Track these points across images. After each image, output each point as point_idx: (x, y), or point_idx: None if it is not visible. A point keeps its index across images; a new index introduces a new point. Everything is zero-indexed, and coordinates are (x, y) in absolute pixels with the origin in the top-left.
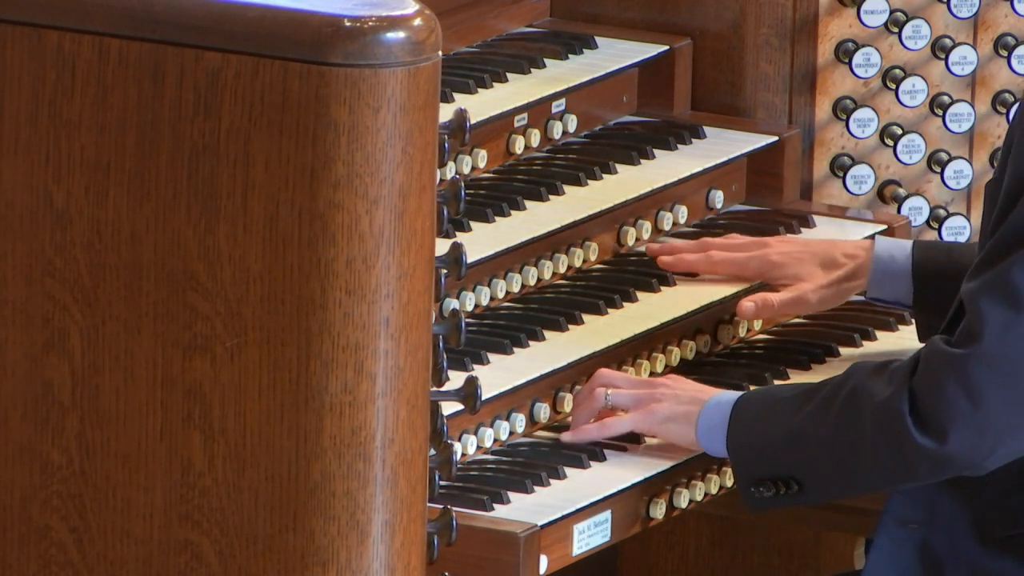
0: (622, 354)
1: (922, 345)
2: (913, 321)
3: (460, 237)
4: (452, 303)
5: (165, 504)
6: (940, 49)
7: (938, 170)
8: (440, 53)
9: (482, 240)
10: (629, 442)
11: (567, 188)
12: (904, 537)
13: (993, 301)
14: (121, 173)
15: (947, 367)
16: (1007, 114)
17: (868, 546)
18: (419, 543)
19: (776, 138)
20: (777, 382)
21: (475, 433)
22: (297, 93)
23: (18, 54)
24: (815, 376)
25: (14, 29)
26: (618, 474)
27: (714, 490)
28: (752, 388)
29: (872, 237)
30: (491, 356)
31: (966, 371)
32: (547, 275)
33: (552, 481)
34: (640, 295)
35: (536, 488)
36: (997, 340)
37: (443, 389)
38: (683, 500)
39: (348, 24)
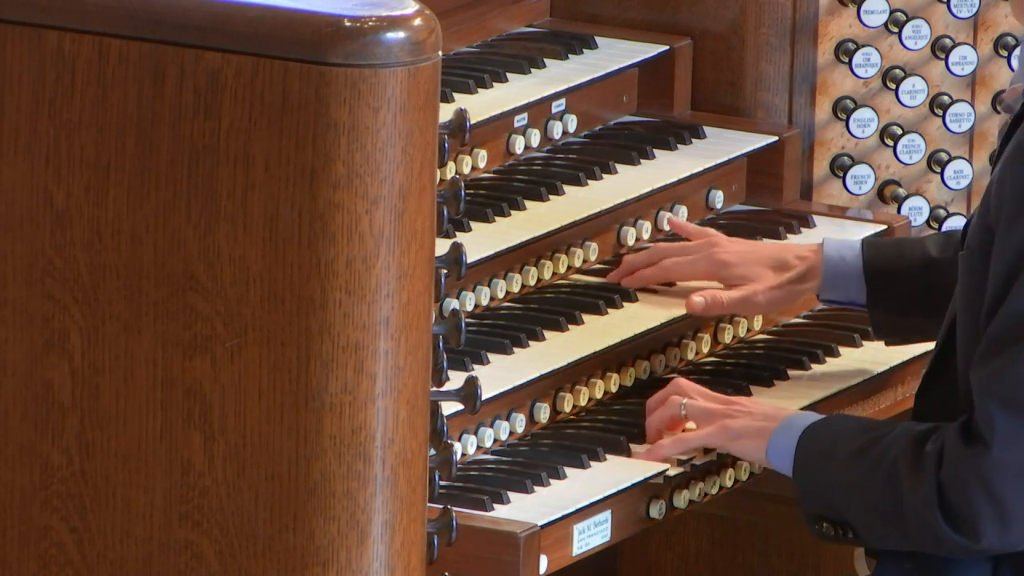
0: (622, 354)
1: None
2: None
3: (460, 237)
4: (452, 303)
5: (165, 504)
6: (940, 49)
7: (938, 170)
8: (440, 53)
9: (482, 240)
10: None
11: (567, 188)
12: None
13: (1000, 405)
14: (121, 173)
15: (966, 469)
16: None
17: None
18: (419, 543)
19: (776, 138)
20: (777, 383)
21: (475, 433)
22: (297, 93)
23: (18, 54)
24: (814, 377)
25: (14, 29)
26: (618, 474)
27: (714, 490)
28: (818, 418)
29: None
30: (491, 356)
31: (983, 475)
32: (547, 275)
33: (552, 481)
34: (640, 295)
35: (536, 488)
36: (1010, 447)
37: (443, 389)
38: (683, 500)
39: (348, 24)
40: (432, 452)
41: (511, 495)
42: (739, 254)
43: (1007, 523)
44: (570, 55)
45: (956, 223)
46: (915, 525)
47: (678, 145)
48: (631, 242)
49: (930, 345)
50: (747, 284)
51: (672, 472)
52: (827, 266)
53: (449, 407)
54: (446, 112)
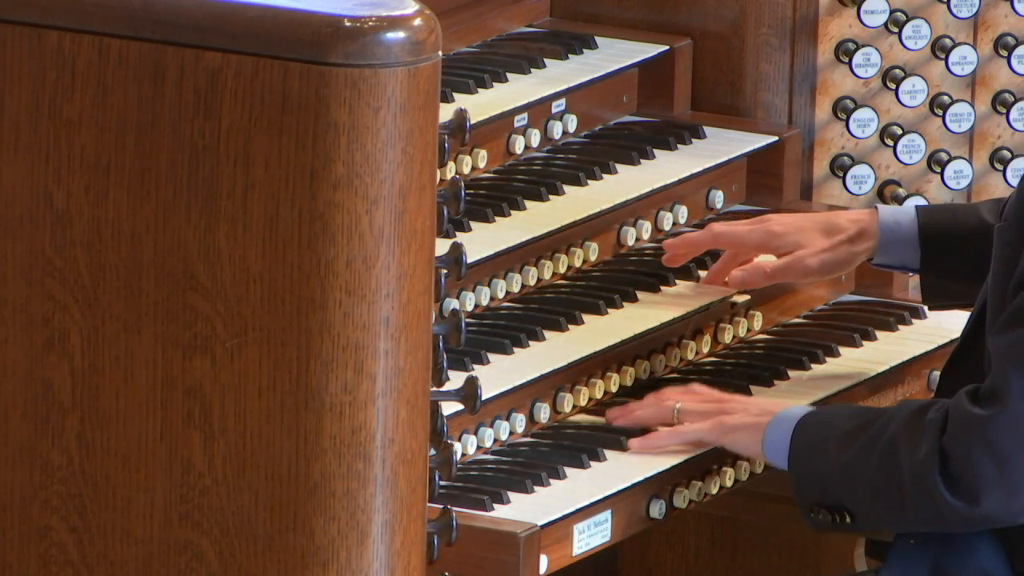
0: (622, 354)
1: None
2: (913, 322)
3: (460, 237)
4: (452, 303)
5: (165, 504)
6: (940, 49)
7: (938, 170)
8: (440, 53)
9: (482, 240)
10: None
11: (567, 188)
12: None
13: (1019, 369)
14: (121, 173)
15: (973, 431)
16: (1007, 114)
17: (868, 547)
18: (419, 543)
19: (776, 138)
20: (777, 383)
21: (475, 433)
22: (297, 93)
23: (18, 54)
24: (814, 377)
25: (14, 29)
26: (618, 474)
27: (714, 490)
28: (814, 409)
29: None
30: (491, 356)
31: (991, 436)
32: (547, 275)
33: (552, 481)
34: (640, 295)
35: (536, 488)
36: (1022, 407)
37: (443, 389)
38: (683, 500)
39: (348, 24)
40: (432, 452)
41: (511, 495)
42: (790, 224)
43: (1011, 487)
44: (570, 55)
45: None
46: (913, 496)
47: (678, 145)
48: (631, 242)
49: (930, 344)
50: (796, 251)
51: (673, 463)
52: (883, 230)
53: (449, 407)
54: (446, 112)
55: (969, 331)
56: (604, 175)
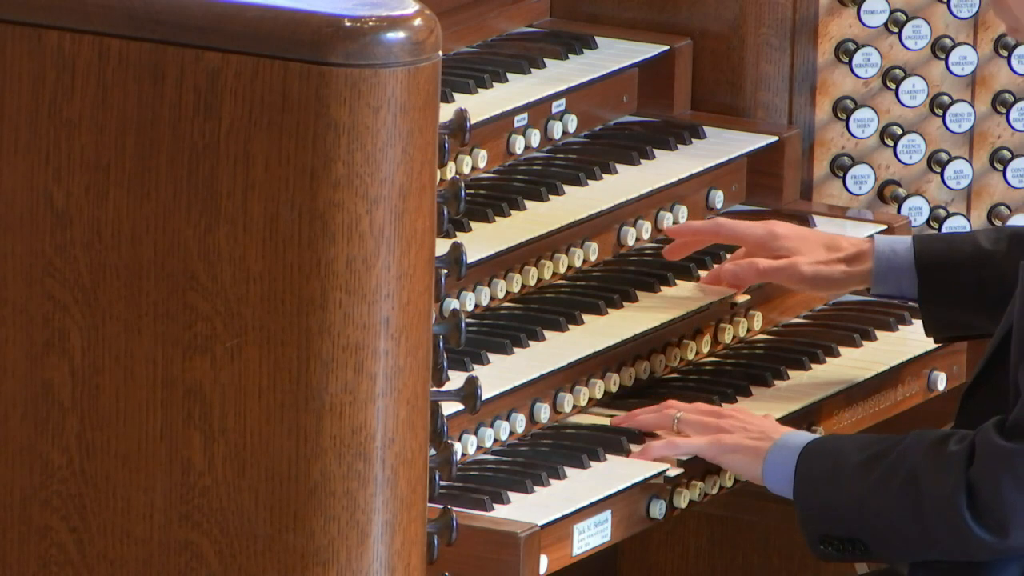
0: (622, 354)
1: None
2: (913, 322)
3: (460, 237)
4: (452, 303)
5: (165, 504)
6: (940, 49)
7: (938, 170)
8: (440, 53)
9: (482, 240)
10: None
11: (567, 188)
12: None
13: None
14: (121, 173)
15: (1001, 464)
16: (1007, 114)
17: None
18: (419, 543)
19: (776, 138)
20: (778, 383)
21: (475, 433)
22: (297, 93)
23: (18, 54)
24: (815, 377)
25: (14, 29)
26: (618, 474)
27: (714, 490)
28: (816, 436)
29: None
30: (491, 356)
31: (1020, 470)
32: (547, 275)
33: (552, 481)
34: (640, 295)
35: (536, 488)
36: None
37: (443, 389)
38: (683, 500)
39: (348, 24)
40: (432, 452)
41: (511, 495)
42: (793, 230)
43: None
44: (570, 55)
45: (956, 223)
46: (938, 528)
47: (678, 145)
48: (631, 242)
49: (930, 344)
50: (793, 256)
51: (672, 472)
52: (879, 258)
53: (449, 407)
54: (446, 112)
55: (986, 365)
56: (604, 175)
